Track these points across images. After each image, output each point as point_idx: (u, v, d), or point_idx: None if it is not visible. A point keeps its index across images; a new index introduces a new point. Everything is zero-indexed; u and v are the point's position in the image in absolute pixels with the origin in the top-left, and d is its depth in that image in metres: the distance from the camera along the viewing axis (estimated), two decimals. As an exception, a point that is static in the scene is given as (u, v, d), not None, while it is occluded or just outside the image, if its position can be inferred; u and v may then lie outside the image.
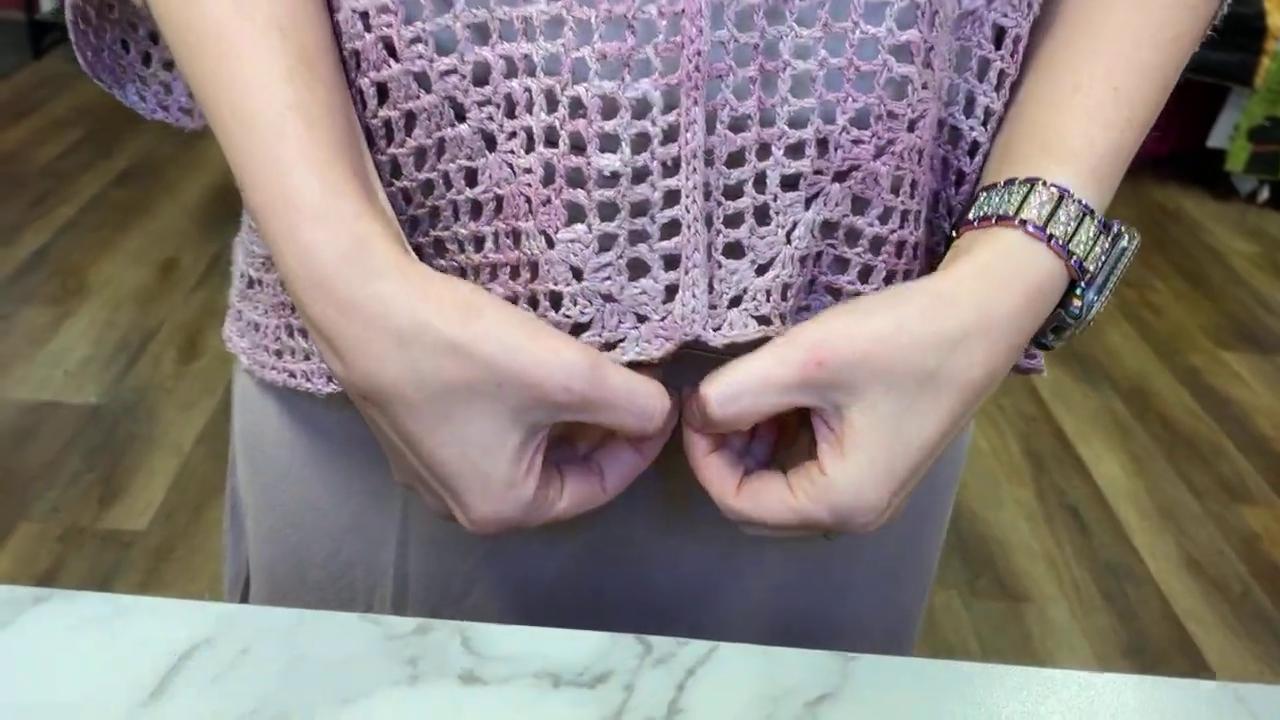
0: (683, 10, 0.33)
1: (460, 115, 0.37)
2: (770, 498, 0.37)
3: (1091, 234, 0.37)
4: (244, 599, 0.57)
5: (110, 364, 1.95)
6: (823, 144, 0.37)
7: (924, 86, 0.37)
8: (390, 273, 0.33)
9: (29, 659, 0.30)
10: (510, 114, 0.36)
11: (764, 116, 0.36)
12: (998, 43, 0.39)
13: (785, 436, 0.40)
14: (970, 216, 0.38)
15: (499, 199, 0.37)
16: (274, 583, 0.53)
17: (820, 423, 0.36)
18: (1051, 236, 0.36)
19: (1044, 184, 0.37)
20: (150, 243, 2.36)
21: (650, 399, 0.35)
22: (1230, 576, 1.80)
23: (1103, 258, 0.38)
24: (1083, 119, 0.38)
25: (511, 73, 0.35)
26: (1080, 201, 0.37)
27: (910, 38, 0.36)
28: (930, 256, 0.43)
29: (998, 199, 0.38)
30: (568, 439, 0.39)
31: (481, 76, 0.36)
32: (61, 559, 1.52)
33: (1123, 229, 0.39)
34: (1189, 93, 3.48)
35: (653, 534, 0.47)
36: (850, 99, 0.36)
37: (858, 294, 0.40)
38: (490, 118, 0.36)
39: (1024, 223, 0.36)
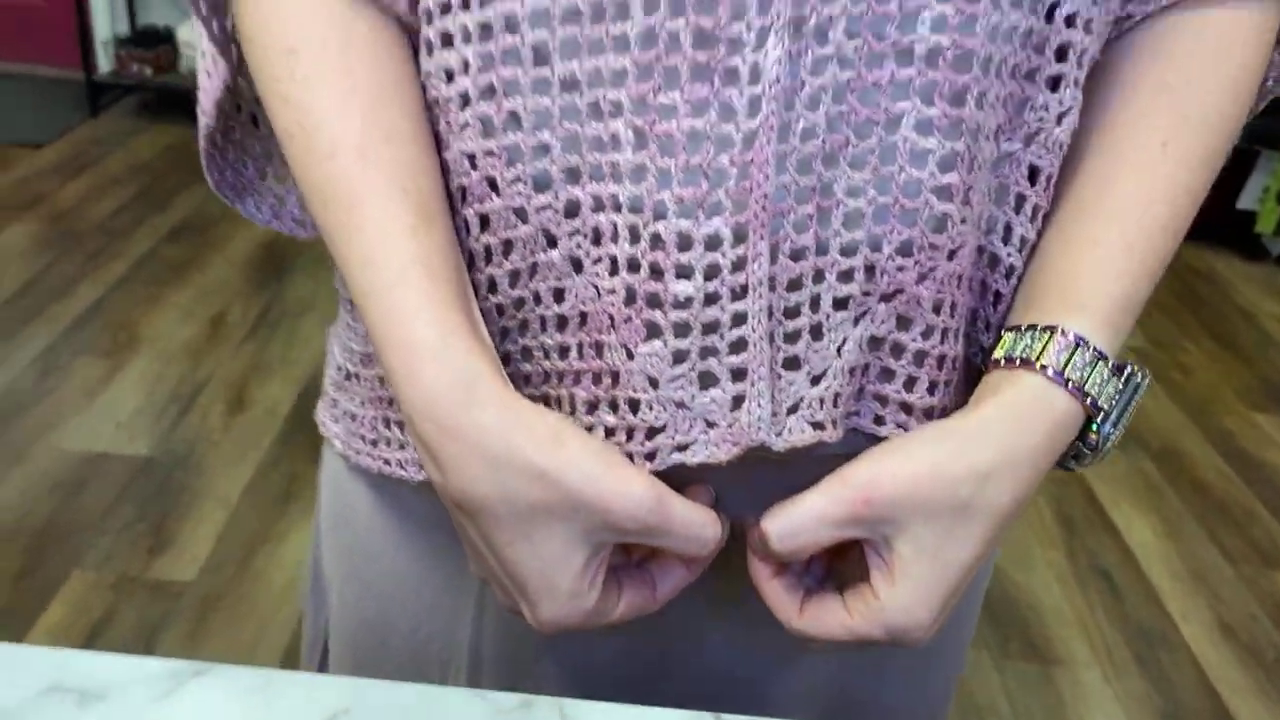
0: (752, 160, 0.38)
1: (552, 243, 0.41)
2: (830, 619, 0.41)
3: (1104, 376, 0.41)
4: (322, 665, 0.61)
5: (161, 416, 2.02)
6: (870, 270, 0.41)
7: (963, 221, 0.42)
8: (491, 403, 0.38)
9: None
10: (596, 243, 0.41)
11: (819, 247, 0.40)
12: (1032, 180, 0.44)
13: (840, 554, 0.44)
14: (996, 357, 0.43)
15: (584, 315, 0.42)
16: (355, 651, 0.57)
17: (871, 551, 0.40)
18: (1069, 381, 0.41)
19: (1062, 332, 0.41)
20: (200, 298, 2.43)
21: (705, 529, 0.40)
22: (1264, 642, 1.80)
23: (1116, 396, 0.42)
24: (1098, 272, 0.42)
25: (599, 208, 0.40)
26: (1094, 348, 0.41)
27: (950, 180, 0.40)
28: (968, 367, 0.47)
29: (1022, 343, 0.42)
30: (626, 550, 0.43)
31: (572, 210, 0.41)
32: (113, 608, 1.57)
33: (1134, 369, 0.43)
34: (1217, 155, 3.51)
35: (711, 620, 0.51)
36: (896, 231, 0.41)
37: (903, 402, 0.44)
38: (579, 246, 0.41)
39: (1044, 368, 0.41)
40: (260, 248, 2.68)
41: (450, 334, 0.39)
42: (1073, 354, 0.41)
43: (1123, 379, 0.42)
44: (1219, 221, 3.64)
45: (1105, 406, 0.42)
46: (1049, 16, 0.41)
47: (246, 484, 1.87)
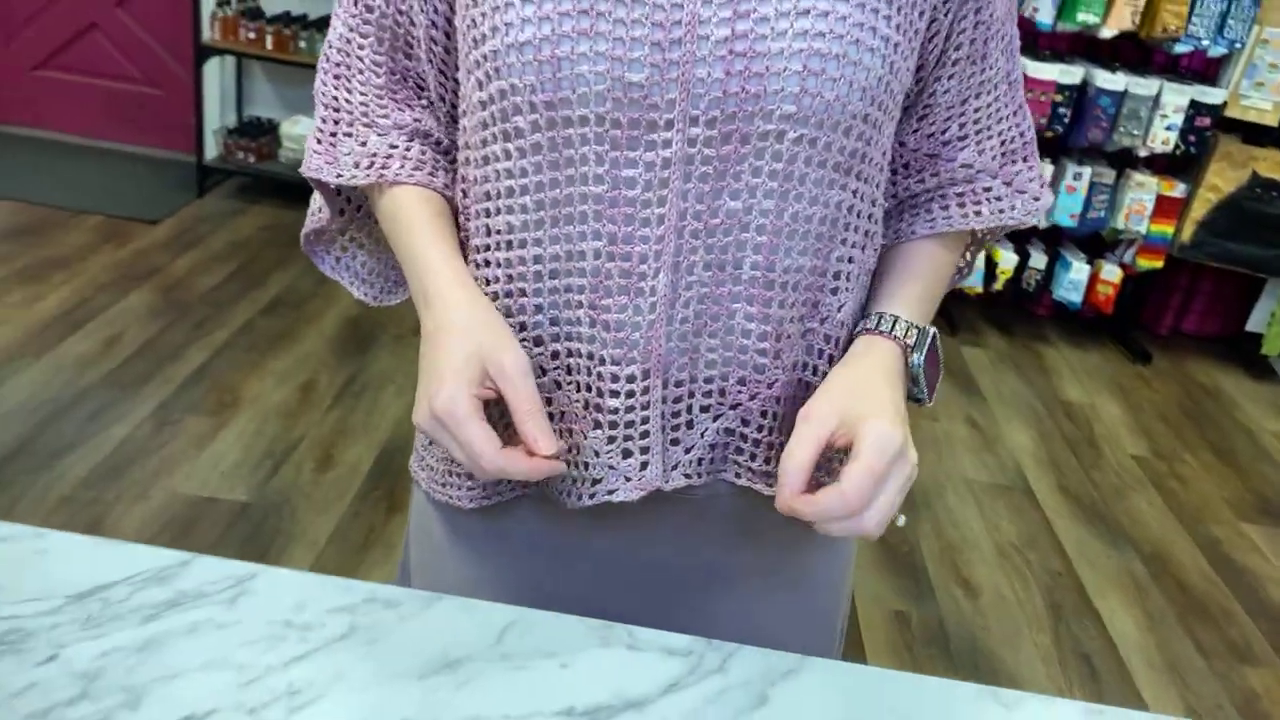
0: (652, 334, 0.67)
1: (543, 372, 0.72)
2: (850, 474, 0.63)
3: (908, 330, 0.72)
4: None
5: (258, 468, 2.32)
6: (721, 393, 0.71)
7: (776, 368, 0.71)
8: (466, 307, 0.68)
9: None
10: (568, 373, 0.71)
11: (690, 379, 0.70)
12: (828, 340, 0.74)
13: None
14: (858, 330, 0.73)
15: (561, 413, 0.72)
16: None
17: (842, 438, 0.67)
18: (892, 335, 0.71)
19: (893, 316, 0.73)
20: (293, 366, 2.76)
21: (536, 411, 0.65)
22: (1228, 730, 1.99)
23: (917, 339, 0.72)
24: (910, 304, 0.74)
25: (570, 355, 0.71)
26: (904, 320, 0.72)
27: (765, 345, 0.70)
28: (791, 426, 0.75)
29: (873, 323, 0.73)
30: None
31: (555, 356, 0.72)
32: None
33: (928, 328, 0.73)
34: (1229, 280, 3.76)
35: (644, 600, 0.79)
36: (734, 373, 0.70)
37: (748, 466, 0.73)
38: (559, 376, 0.72)
39: (880, 331, 0.72)
40: (348, 323, 3.01)
41: (453, 282, 0.70)
42: (893, 324, 0.72)
43: (920, 332, 0.73)
44: (1230, 342, 3.86)
45: (912, 343, 0.72)
46: (829, 257, 0.70)
47: (331, 532, 2.15)
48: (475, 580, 0.81)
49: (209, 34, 3.66)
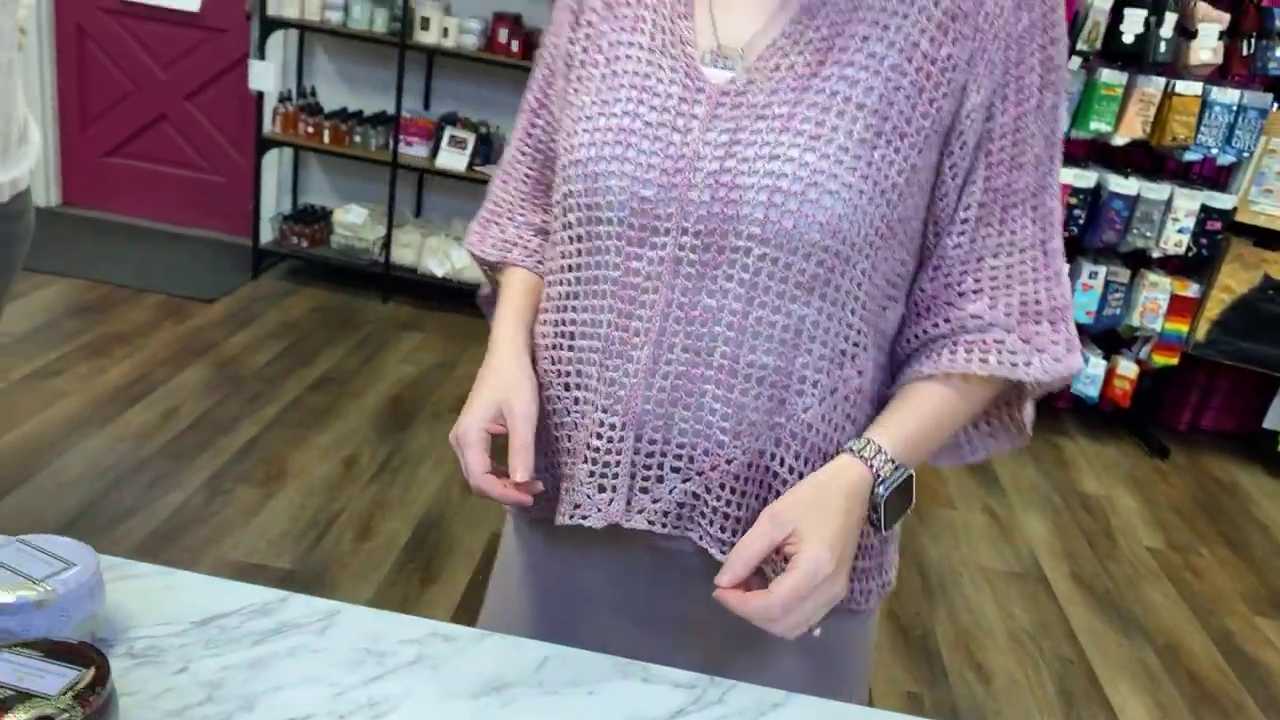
0: (634, 395, 0.81)
1: (567, 411, 0.86)
2: (778, 586, 0.74)
3: (886, 464, 0.79)
4: None
5: (302, 538, 2.45)
6: (691, 459, 0.82)
7: (735, 447, 0.81)
8: (509, 361, 0.85)
9: None
10: (580, 415, 0.85)
11: (664, 441, 0.82)
12: (794, 437, 0.84)
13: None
14: (845, 445, 0.82)
15: (570, 447, 0.87)
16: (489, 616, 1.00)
17: (786, 547, 0.76)
18: (871, 464, 0.80)
19: (877, 445, 0.81)
20: (337, 441, 2.91)
21: (525, 451, 0.82)
22: (1237, 821, 2.03)
23: (890, 475, 0.79)
24: (899, 439, 0.81)
25: (575, 403, 0.85)
26: (888, 455, 0.80)
27: (727, 425, 0.81)
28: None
29: (858, 445, 0.81)
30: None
31: (566, 408, 0.86)
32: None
33: (905, 468, 0.80)
34: (1247, 378, 3.85)
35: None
36: (701, 445, 0.82)
37: (708, 531, 0.84)
38: (562, 423, 0.86)
39: (863, 458, 0.80)
40: (389, 401, 3.17)
41: (506, 340, 0.88)
42: (875, 453, 0.80)
43: (896, 468, 0.80)
44: (1248, 439, 3.93)
45: (883, 476, 0.80)
46: (793, 361, 0.81)
47: (369, 599, 2.27)
48: (507, 595, 0.98)
49: (270, 127, 3.91)
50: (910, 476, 0.81)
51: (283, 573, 2.31)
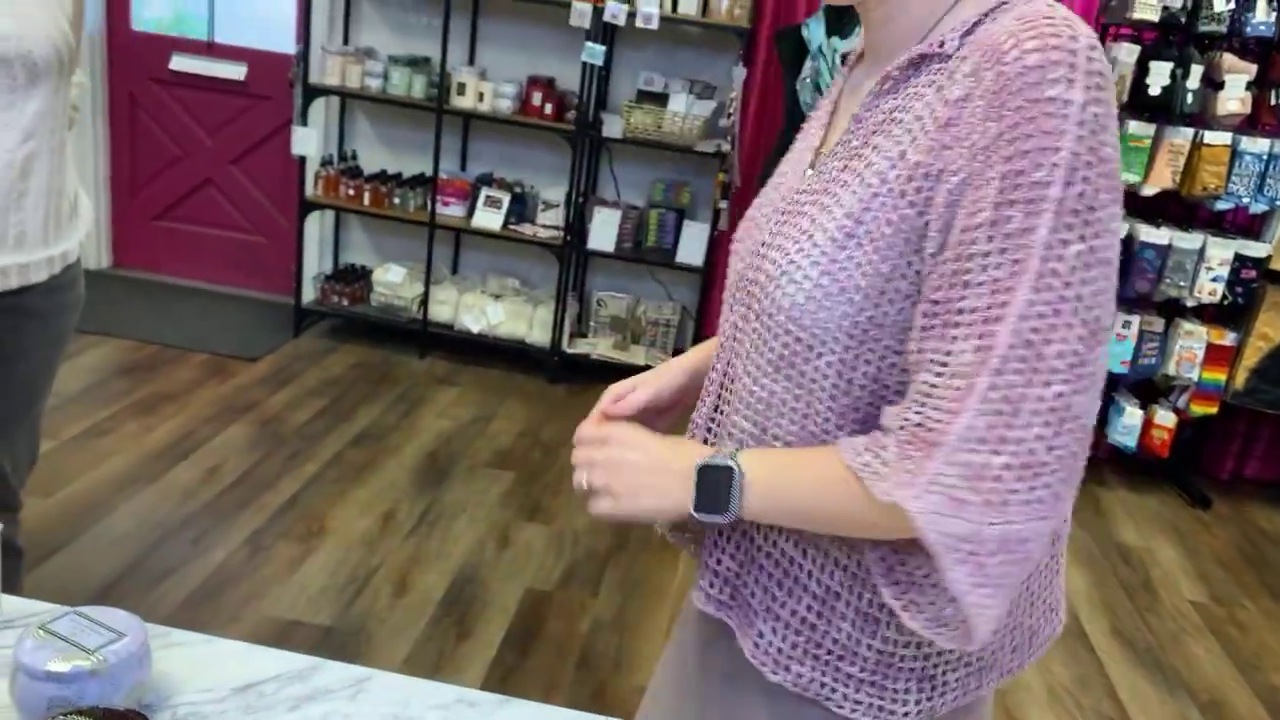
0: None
1: None
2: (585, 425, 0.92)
3: (719, 458, 0.81)
4: None
5: (341, 594, 2.49)
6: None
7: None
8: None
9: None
10: None
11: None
12: None
13: None
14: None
15: None
16: None
17: None
18: (714, 446, 0.89)
19: (736, 448, 0.84)
20: (375, 496, 2.96)
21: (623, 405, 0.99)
22: None
23: (718, 457, 0.82)
24: (758, 455, 0.83)
25: None
26: (736, 454, 0.81)
27: None
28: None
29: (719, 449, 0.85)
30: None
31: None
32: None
33: (733, 461, 0.80)
34: (1283, 425, 3.79)
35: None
36: None
37: (704, 579, 0.90)
38: None
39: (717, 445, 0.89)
40: (426, 457, 3.23)
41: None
42: (732, 451, 0.82)
43: (730, 458, 0.81)
44: (1292, 486, 3.86)
45: (706, 461, 0.81)
46: (764, 431, 0.85)
47: (405, 656, 2.30)
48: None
49: (312, 190, 4.03)
50: (732, 471, 0.79)
51: (321, 630, 2.35)
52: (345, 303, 4.11)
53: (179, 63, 4.27)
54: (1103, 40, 3.52)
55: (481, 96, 3.83)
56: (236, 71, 4.26)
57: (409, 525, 2.83)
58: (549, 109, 3.83)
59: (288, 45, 4.14)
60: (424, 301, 4.05)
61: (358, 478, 3.05)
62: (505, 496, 3.06)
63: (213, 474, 2.95)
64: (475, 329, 4.03)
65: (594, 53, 3.65)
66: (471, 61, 4.07)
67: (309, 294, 4.17)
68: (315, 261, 4.31)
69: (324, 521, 2.80)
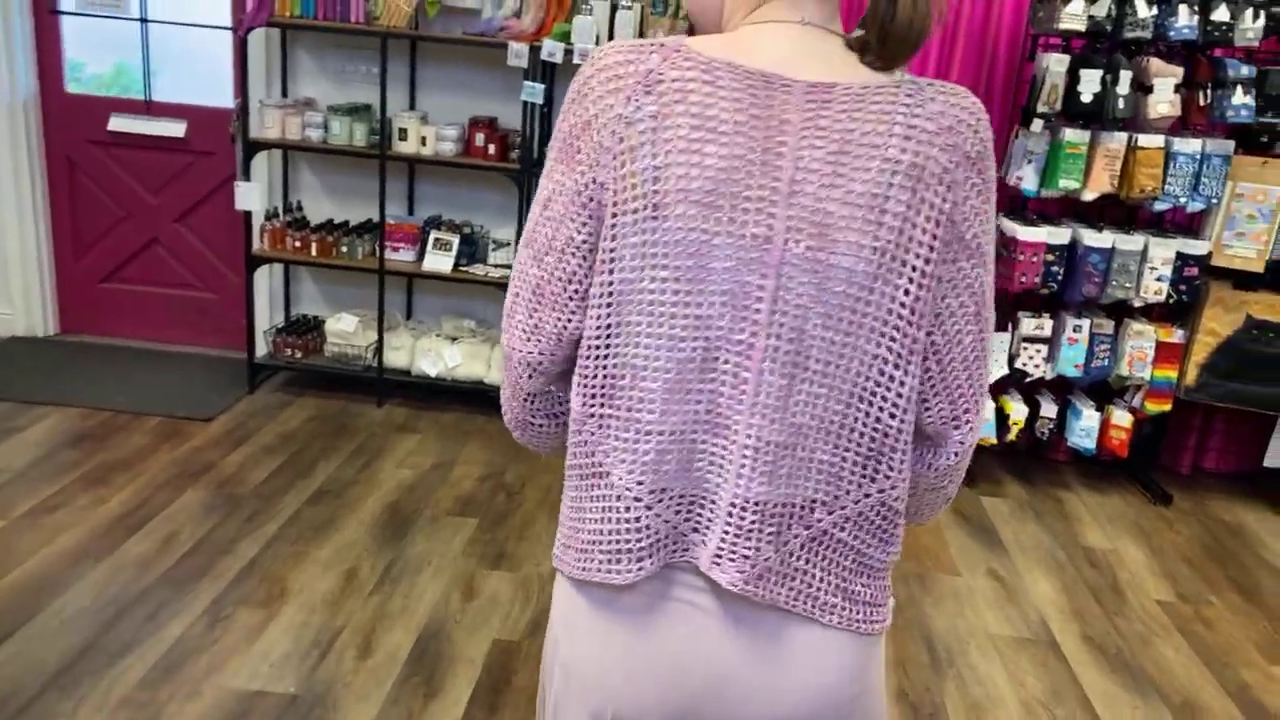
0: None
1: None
2: None
3: None
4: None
5: (305, 659, 2.45)
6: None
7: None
8: None
9: None
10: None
11: None
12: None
13: None
14: None
15: None
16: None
17: None
18: None
19: None
20: (336, 554, 2.92)
21: None
22: None
23: None
24: None
25: None
26: None
27: None
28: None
29: None
30: None
31: None
32: (268, 823, 1.94)
33: None
34: (1245, 418, 3.84)
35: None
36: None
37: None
38: None
39: None
40: (387, 509, 3.19)
41: None
42: None
43: None
44: (1251, 478, 3.91)
45: None
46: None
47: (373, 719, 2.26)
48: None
49: (259, 244, 3.99)
50: None
51: (286, 699, 2.31)
52: (299, 355, 4.07)
53: (117, 123, 4.22)
54: (1033, 50, 3.57)
55: (424, 141, 3.82)
56: (176, 129, 4.21)
57: (372, 582, 2.79)
58: (492, 149, 3.82)
59: (226, 100, 4.11)
60: (379, 349, 4.01)
61: (318, 536, 3.01)
62: (469, 545, 3.03)
63: (168, 542, 2.90)
64: (433, 373, 4.00)
65: (534, 91, 3.65)
66: (412, 106, 4.06)
67: (261, 348, 4.13)
68: (266, 315, 4.26)
69: (284, 584, 2.75)
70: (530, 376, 0.98)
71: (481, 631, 2.60)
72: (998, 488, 3.77)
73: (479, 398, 4.02)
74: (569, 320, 0.94)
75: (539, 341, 0.96)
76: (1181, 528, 3.57)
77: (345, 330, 4.05)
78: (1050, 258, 3.50)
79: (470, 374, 3.98)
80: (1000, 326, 3.59)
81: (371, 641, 2.53)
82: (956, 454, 0.97)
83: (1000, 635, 2.80)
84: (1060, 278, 3.52)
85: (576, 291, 0.93)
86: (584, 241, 0.91)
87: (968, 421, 0.96)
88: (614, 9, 3.64)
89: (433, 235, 3.94)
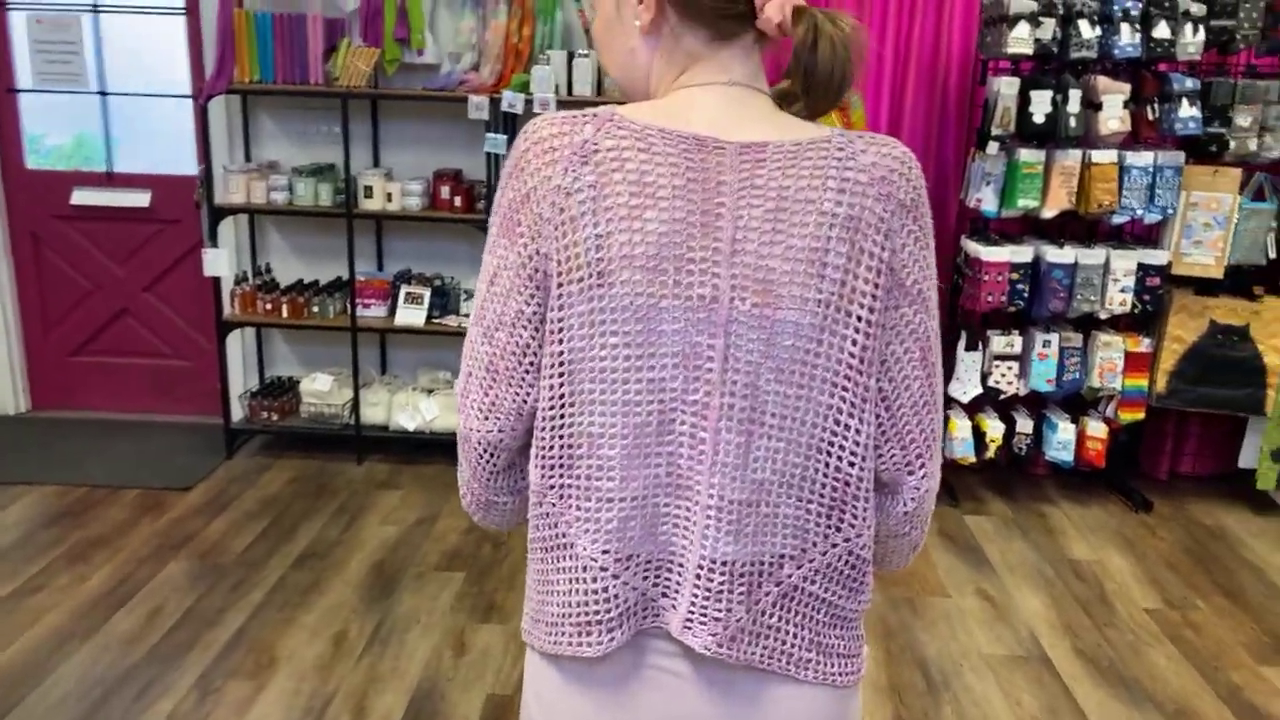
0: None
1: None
2: None
3: None
4: None
5: (298, 728, 2.42)
6: None
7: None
8: None
9: None
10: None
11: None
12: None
13: None
14: None
15: None
16: None
17: None
18: None
19: None
20: (324, 618, 2.89)
21: None
22: None
23: None
24: None
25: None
26: None
27: None
28: None
29: None
30: None
31: None
32: None
33: None
34: (1218, 420, 3.89)
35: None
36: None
37: None
38: None
39: None
40: (372, 569, 3.17)
41: None
42: None
43: None
44: (1227, 479, 3.96)
45: None
46: None
47: (370, 785, 2.24)
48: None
49: (230, 309, 3.99)
50: None
51: (280, 769, 2.28)
52: (275, 417, 4.05)
53: (80, 196, 4.22)
54: (983, 74, 3.65)
55: (390, 197, 3.84)
56: (140, 199, 4.21)
57: (361, 645, 2.77)
58: (458, 201, 3.85)
59: (190, 167, 4.12)
60: (355, 406, 4.00)
61: (304, 601, 2.98)
62: (458, 599, 3.01)
63: (154, 617, 2.86)
64: (411, 427, 3.99)
65: (496, 142, 3.68)
66: (376, 164, 4.08)
67: (238, 413, 4.11)
68: (241, 379, 4.25)
69: (273, 653, 2.72)
70: (491, 456, 0.97)
71: (475, 688, 2.59)
72: (981, 506, 3.80)
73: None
74: (526, 394, 0.93)
75: (497, 419, 0.95)
76: (1164, 533, 3.61)
77: (320, 390, 4.04)
78: (1015, 276, 3.55)
79: (448, 425, 3.98)
80: (971, 345, 3.64)
81: (364, 706, 2.51)
82: (913, 499, 0.97)
83: (993, 655, 2.81)
84: (1026, 295, 3.57)
85: (531, 364, 0.93)
86: (534, 313, 0.91)
87: (922, 467, 0.96)
88: (571, 58, 3.69)
89: (404, 290, 3.95)
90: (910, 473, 0.96)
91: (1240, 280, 3.67)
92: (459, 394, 0.98)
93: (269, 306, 3.95)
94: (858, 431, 0.92)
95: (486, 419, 0.95)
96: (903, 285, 0.91)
